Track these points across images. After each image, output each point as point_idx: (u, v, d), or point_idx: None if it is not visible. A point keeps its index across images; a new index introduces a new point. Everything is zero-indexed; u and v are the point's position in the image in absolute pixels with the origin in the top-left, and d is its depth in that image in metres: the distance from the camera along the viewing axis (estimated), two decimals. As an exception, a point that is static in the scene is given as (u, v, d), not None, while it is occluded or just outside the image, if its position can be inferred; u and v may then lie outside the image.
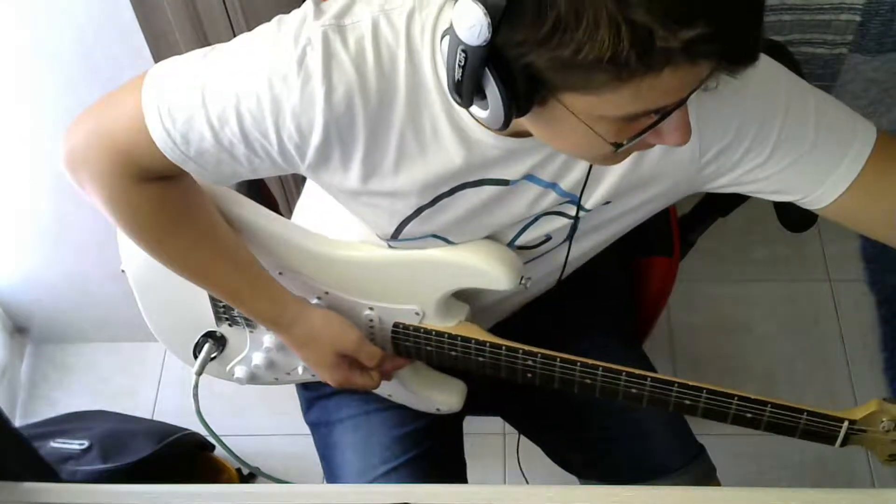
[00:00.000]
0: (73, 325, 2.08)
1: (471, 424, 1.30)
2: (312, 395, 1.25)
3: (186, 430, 1.80)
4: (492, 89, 0.69)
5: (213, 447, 1.83)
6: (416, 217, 0.93)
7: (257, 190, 1.34)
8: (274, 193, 1.53)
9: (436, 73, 0.81)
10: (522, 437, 1.32)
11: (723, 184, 0.90)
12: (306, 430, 1.28)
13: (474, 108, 0.74)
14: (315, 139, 0.83)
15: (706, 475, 1.17)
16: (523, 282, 0.98)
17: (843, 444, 0.95)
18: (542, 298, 1.15)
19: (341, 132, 0.83)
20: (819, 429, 0.95)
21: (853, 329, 2.01)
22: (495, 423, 1.73)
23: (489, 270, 0.97)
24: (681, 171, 0.89)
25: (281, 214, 1.11)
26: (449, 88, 0.73)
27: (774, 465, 1.85)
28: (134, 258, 1.13)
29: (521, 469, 1.32)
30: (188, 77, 0.84)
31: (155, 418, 1.98)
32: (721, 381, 2.04)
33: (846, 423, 0.93)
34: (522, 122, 0.76)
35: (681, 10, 0.59)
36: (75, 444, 1.71)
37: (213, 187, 1.02)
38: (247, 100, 0.81)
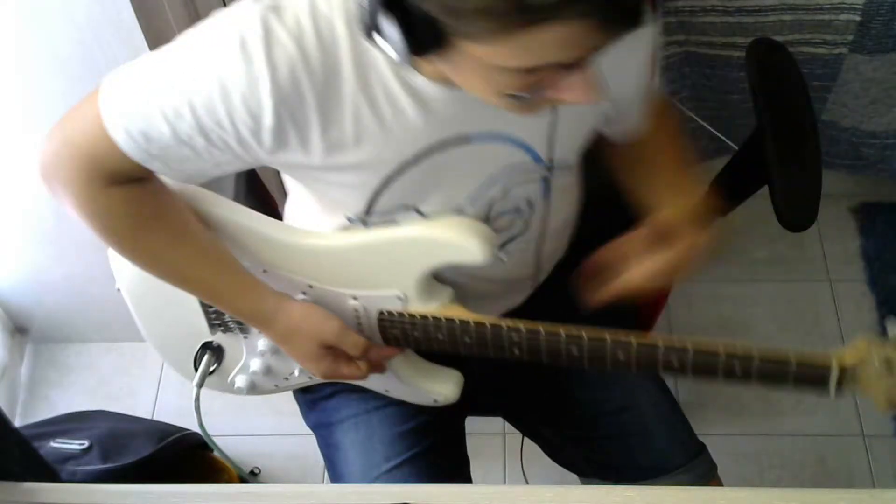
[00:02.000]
0: (73, 325, 2.08)
1: (471, 424, 1.30)
2: (311, 397, 1.25)
3: (186, 430, 1.80)
4: (391, 27, 0.72)
5: (209, 437, 1.83)
6: (386, 188, 0.93)
7: (256, 193, 1.34)
8: (274, 194, 1.53)
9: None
10: (519, 437, 1.32)
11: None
12: (306, 430, 1.28)
13: (383, 44, 0.76)
14: (267, 121, 0.84)
15: (707, 473, 1.16)
16: (501, 257, 0.99)
17: (838, 389, 0.93)
18: (542, 297, 1.15)
19: (293, 110, 0.84)
20: (810, 375, 0.92)
21: (853, 329, 2.01)
22: (495, 423, 1.74)
23: (462, 243, 0.97)
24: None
25: (279, 218, 1.11)
26: (359, 25, 0.76)
27: (774, 465, 1.85)
28: (127, 276, 1.15)
29: (522, 469, 1.32)
30: (142, 77, 0.87)
31: (155, 418, 1.99)
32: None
33: (835, 365, 0.91)
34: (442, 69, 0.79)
35: None
36: (75, 444, 1.71)
37: (187, 188, 1.03)
38: (196, 91, 0.83)
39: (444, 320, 1.02)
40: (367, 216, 0.98)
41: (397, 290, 1.03)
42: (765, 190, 1.19)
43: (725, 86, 1.84)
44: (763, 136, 1.20)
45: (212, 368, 1.19)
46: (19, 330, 2.13)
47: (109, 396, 2.05)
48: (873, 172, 2.00)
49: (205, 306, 1.14)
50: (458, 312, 1.03)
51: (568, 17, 0.64)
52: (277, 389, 1.23)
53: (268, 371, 1.19)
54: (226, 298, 1.03)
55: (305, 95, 0.84)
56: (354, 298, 1.05)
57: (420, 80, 0.85)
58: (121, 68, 0.89)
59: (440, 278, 1.06)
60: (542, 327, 0.98)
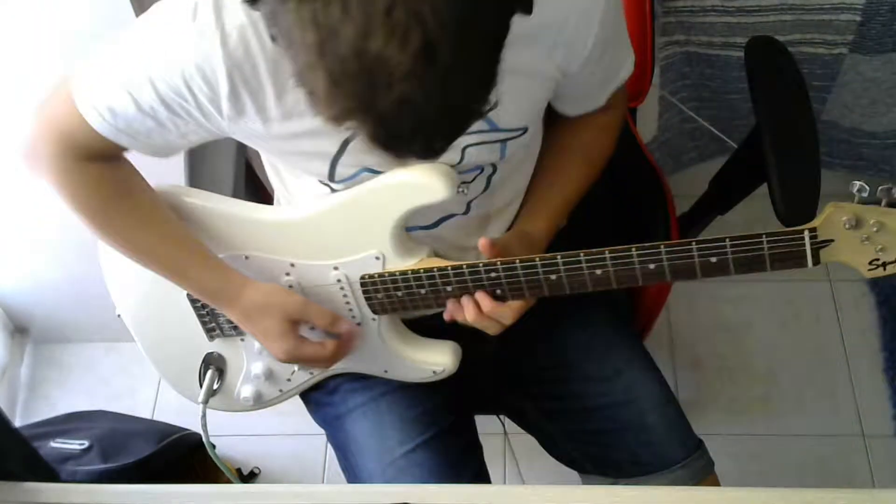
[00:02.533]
0: (73, 325, 2.08)
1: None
2: (316, 395, 1.25)
3: (186, 430, 1.80)
4: None
5: (213, 447, 1.83)
6: (344, 152, 0.96)
7: (252, 191, 1.34)
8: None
9: None
10: (520, 437, 1.32)
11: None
12: (306, 430, 1.28)
13: None
14: (223, 88, 0.88)
15: (704, 469, 1.17)
16: (461, 189, 1.00)
17: (816, 260, 0.90)
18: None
19: (246, 77, 0.88)
20: (785, 249, 0.90)
21: (853, 329, 2.01)
22: (495, 423, 1.73)
23: (424, 181, 0.97)
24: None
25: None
26: None
27: (774, 465, 1.85)
28: (126, 301, 1.19)
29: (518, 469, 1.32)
30: (107, 56, 0.92)
31: (155, 418, 1.99)
32: (721, 381, 2.04)
33: (807, 234, 0.89)
34: None
35: (337, 110, 0.66)
36: (75, 444, 1.71)
37: (161, 184, 1.07)
38: (154, 63, 0.88)
39: (423, 272, 1.02)
40: (332, 182, 1.00)
41: (374, 251, 1.03)
42: (764, 189, 1.19)
43: (725, 86, 1.84)
44: (761, 134, 1.20)
45: (216, 386, 1.21)
46: (19, 330, 2.13)
47: (109, 396, 2.05)
48: (873, 172, 2.00)
49: (197, 310, 1.16)
50: (435, 262, 1.03)
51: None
52: (282, 395, 1.24)
53: (270, 374, 1.20)
54: (192, 277, 1.06)
55: (257, 62, 0.87)
56: (336, 269, 1.06)
57: None
58: (94, 54, 0.93)
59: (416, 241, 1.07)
60: (518, 259, 0.97)
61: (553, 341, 1.22)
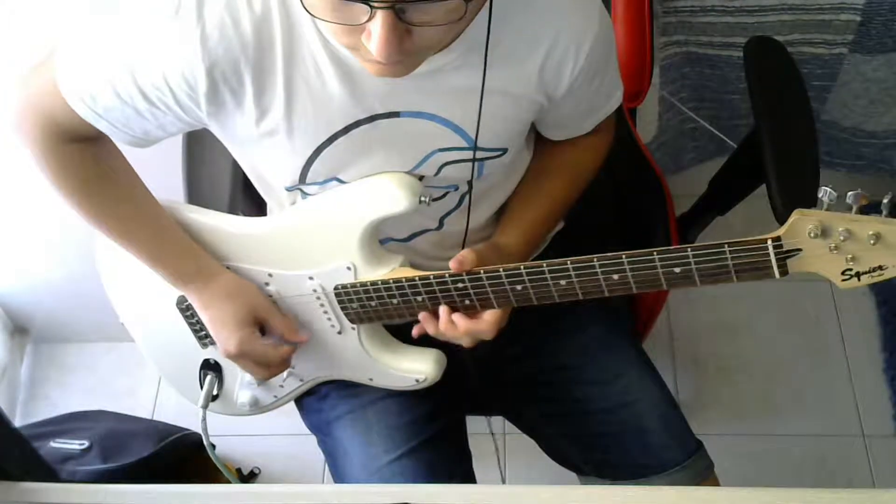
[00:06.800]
0: (73, 325, 2.08)
1: (470, 424, 1.30)
2: (308, 400, 1.26)
3: (186, 430, 1.80)
4: None
5: (213, 447, 1.83)
6: (318, 157, 0.96)
7: (251, 194, 1.34)
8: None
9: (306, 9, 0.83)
10: (519, 437, 1.32)
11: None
12: (306, 430, 1.28)
13: None
14: (202, 86, 0.88)
15: (704, 471, 1.17)
16: (424, 200, 1.00)
17: (784, 271, 0.86)
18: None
19: (226, 76, 0.88)
20: (748, 260, 0.86)
21: (853, 329, 2.01)
22: (494, 424, 1.74)
23: (386, 191, 0.98)
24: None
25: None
26: None
27: (774, 465, 1.85)
28: (126, 310, 1.20)
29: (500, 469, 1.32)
30: (90, 40, 0.92)
31: (155, 418, 1.99)
32: (721, 381, 2.04)
33: (770, 243, 0.84)
34: None
35: None
36: (75, 444, 1.71)
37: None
38: (135, 58, 0.88)
39: (392, 283, 1.02)
40: (301, 184, 1.01)
41: (345, 261, 1.04)
42: (764, 189, 1.19)
43: (725, 86, 1.84)
44: (760, 134, 1.20)
45: (216, 392, 1.23)
46: (19, 330, 2.13)
47: (109, 396, 2.05)
48: (873, 172, 2.00)
49: (187, 319, 1.16)
50: (406, 272, 1.03)
51: None
52: (277, 400, 1.25)
53: (262, 381, 1.21)
54: (169, 259, 1.07)
55: (238, 62, 0.87)
56: (311, 279, 1.07)
57: (347, 54, 0.87)
58: (78, 27, 0.93)
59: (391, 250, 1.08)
60: (482, 270, 0.97)
61: (551, 345, 1.22)
